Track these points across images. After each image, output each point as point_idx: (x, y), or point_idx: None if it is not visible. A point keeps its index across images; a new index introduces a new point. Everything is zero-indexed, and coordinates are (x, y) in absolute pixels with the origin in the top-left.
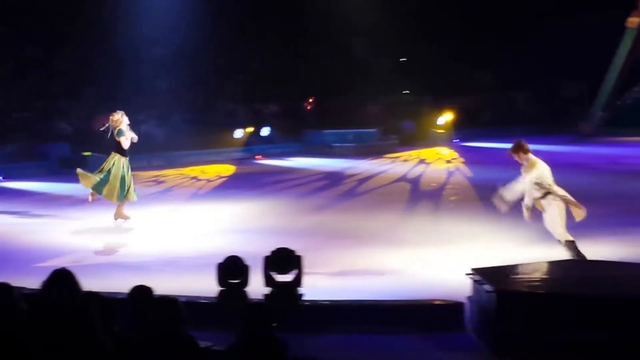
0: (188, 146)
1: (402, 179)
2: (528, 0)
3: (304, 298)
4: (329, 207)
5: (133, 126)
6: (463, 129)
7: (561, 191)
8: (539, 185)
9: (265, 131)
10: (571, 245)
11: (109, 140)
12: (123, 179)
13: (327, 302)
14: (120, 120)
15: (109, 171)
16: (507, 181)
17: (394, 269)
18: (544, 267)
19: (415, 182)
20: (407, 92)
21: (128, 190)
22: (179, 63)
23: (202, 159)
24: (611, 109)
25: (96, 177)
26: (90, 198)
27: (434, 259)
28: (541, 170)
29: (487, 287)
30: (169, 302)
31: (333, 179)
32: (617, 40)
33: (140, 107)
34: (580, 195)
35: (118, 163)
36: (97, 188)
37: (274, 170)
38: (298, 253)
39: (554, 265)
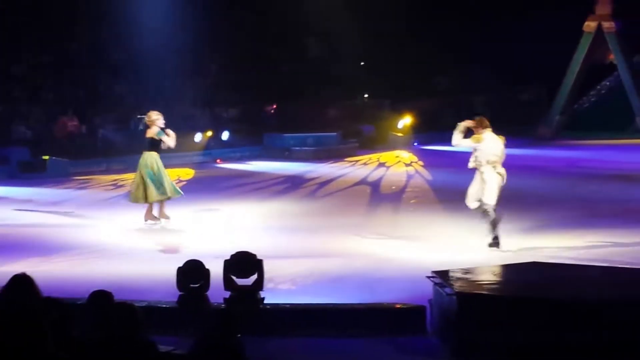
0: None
1: (362, 182)
2: (486, 4)
3: (265, 301)
4: (290, 211)
5: (92, 130)
6: (422, 133)
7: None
8: (476, 157)
9: (224, 135)
10: (495, 213)
11: (67, 144)
12: (152, 176)
13: (288, 306)
14: (156, 120)
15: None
16: (465, 184)
17: (355, 272)
18: (505, 270)
19: (375, 185)
20: (367, 95)
21: (150, 189)
22: (139, 67)
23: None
24: (568, 113)
25: (151, 187)
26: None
27: (395, 262)
28: (484, 147)
29: (448, 289)
30: (127, 307)
31: (293, 182)
32: (574, 44)
33: (99, 112)
34: (540, 198)
35: (151, 161)
36: (162, 193)
37: (234, 174)
38: (259, 257)
39: (515, 268)
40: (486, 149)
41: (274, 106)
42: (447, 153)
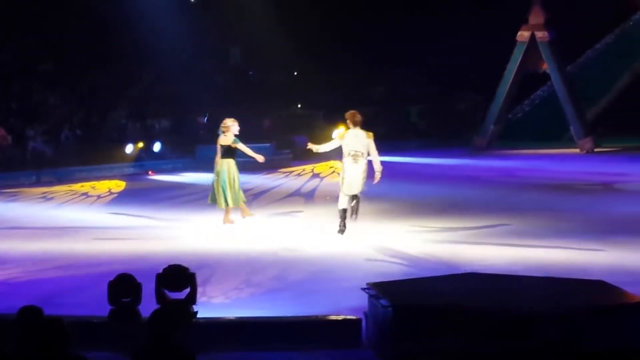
0: (78, 162)
1: (296, 193)
2: (421, 15)
3: (198, 316)
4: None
5: (21, 142)
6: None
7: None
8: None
9: (156, 146)
10: (357, 199)
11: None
12: (225, 183)
13: (221, 319)
14: (231, 126)
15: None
16: (399, 194)
17: (290, 284)
18: (440, 281)
19: (309, 196)
20: (300, 106)
21: (228, 194)
22: (70, 78)
23: (92, 175)
24: (503, 123)
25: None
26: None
27: (330, 274)
28: (346, 142)
29: (383, 301)
30: (56, 322)
31: None
32: (508, 53)
33: (28, 123)
34: (474, 207)
35: (229, 168)
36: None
37: (165, 186)
38: (191, 270)
39: (450, 279)
40: (348, 144)
41: (207, 117)
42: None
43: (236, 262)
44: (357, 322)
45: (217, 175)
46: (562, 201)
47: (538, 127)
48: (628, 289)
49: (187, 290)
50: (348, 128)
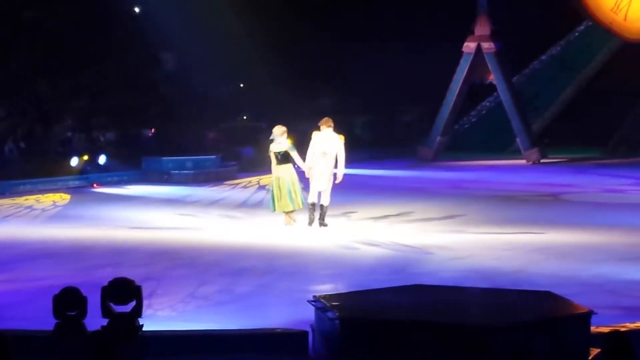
0: (22, 175)
1: (243, 205)
2: (367, 25)
3: (144, 329)
4: (168, 236)
5: None
6: (303, 154)
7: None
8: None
9: (102, 159)
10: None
11: None
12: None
13: (167, 333)
14: (284, 133)
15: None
16: (345, 204)
17: (236, 297)
18: (388, 293)
19: (255, 208)
20: (245, 117)
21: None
22: (12, 90)
23: (37, 188)
24: (449, 134)
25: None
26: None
27: (276, 286)
28: (317, 142)
29: (330, 314)
30: None
31: (172, 206)
32: (454, 64)
33: None
34: (422, 218)
35: (291, 173)
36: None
37: (111, 199)
38: (137, 283)
39: (398, 290)
40: (320, 143)
41: (153, 130)
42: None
43: (182, 274)
44: (304, 334)
45: (278, 181)
46: (507, 212)
47: (484, 138)
48: (573, 299)
49: (133, 303)
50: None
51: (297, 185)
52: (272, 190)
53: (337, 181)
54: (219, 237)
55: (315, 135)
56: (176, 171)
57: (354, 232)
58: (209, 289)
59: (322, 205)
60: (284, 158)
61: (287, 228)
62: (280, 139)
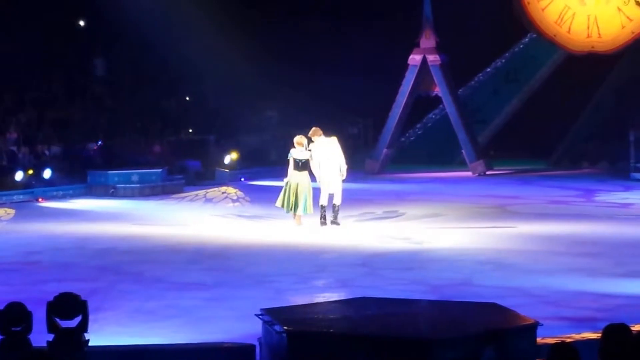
0: None
1: (194, 219)
2: (312, 39)
3: (90, 344)
4: (114, 249)
5: None
6: (250, 168)
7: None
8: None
9: (47, 173)
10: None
11: None
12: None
13: (114, 348)
14: (304, 142)
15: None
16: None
17: (182, 311)
18: (335, 306)
19: (210, 222)
20: (191, 130)
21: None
22: None
23: None
24: (396, 146)
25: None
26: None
27: (223, 300)
28: (317, 151)
29: (277, 327)
30: None
31: (118, 220)
32: (400, 77)
33: None
34: (369, 231)
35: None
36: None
37: (56, 213)
38: (83, 297)
39: (345, 304)
40: (321, 151)
41: (99, 143)
42: (274, 188)
43: (129, 288)
44: (251, 348)
45: (297, 186)
46: (455, 224)
47: (431, 150)
48: (519, 310)
49: (79, 318)
50: (310, 142)
51: (311, 193)
52: (286, 191)
53: (342, 177)
54: (165, 250)
55: (313, 147)
56: (122, 185)
57: (303, 246)
58: (156, 303)
59: (334, 205)
60: (304, 165)
61: (298, 228)
62: (300, 148)
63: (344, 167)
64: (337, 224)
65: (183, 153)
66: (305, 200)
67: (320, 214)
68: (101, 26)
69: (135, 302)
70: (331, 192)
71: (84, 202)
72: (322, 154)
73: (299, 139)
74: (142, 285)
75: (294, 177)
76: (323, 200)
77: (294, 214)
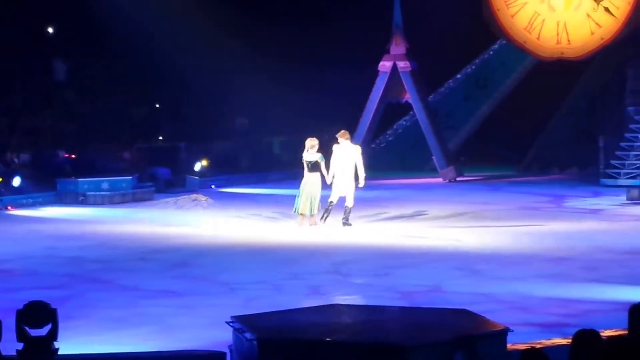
0: None
1: (164, 227)
2: (283, 45)
3: (60, 352)
4: (85, 257)
5: None
6: (220, 175)
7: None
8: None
9: (16, 181)
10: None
11: None
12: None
13: (84, 356)
14: (316, 145)
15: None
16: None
17: (153, 319)
18: (305, 313)
19: (176, 229)
20: (161, 138)
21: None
22: None
23: None
24: (366, 152)
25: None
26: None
27: (196, 308)
28: (334, 155)
29: (248, 334)
30: None
31: (88, 228)
32: (370, 83)
33: None
34: (339, 237)
35: (319, 182)
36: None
37: (25, 221)
38: (53, 305)
39: (314, 311)
40: (340, 156)
41: (69, 152)
42: (244, 195)
43: (99, 296)
44: (222, 356)
45: (305, 186)
46: (425, 230)
47: (401, 157)
48: (489, 316)
49: (49, 326)
50: (336, 142)
51: (318, 195)
52: (300, 194)
53: (360, 185)
54: (136, 258)
55: (335, 147)
56: (92, 192)
57: (274, 252)
58: (127, 310)
59: (346, 207)
60: (314, 167)
61: (305, 230)
62: (312, 150)
63: (363, 174)
64: (349, 224)
65: (153, 160)
66: (310, 201)
67: (325, 208)
68: (70, 32)
69: (105, 310)
70: (342, 195)
71: (53, 210)
72: (340, 156)
73: (309, 141)
74: (113, 293)
75: (305, 179)
76: (333, 197)
77: (300, 215)
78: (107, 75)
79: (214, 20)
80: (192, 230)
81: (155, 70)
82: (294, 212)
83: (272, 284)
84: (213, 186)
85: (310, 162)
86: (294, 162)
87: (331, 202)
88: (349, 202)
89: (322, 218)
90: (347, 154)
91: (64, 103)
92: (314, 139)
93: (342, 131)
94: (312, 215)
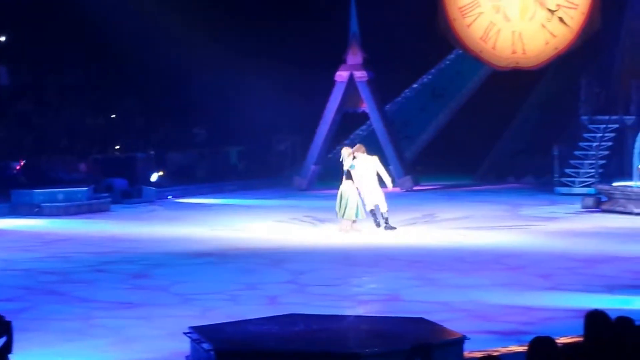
0: None
1: (120, 238)
2: (240, 55)
3: None
4: (40, 269)
5: None
6: (177, 185)
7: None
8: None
9: None
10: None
11: None
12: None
13: None
14: (349, 155)
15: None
16: (217, 236)
17: (111, 330)
18: (263, 323)
19: (132, 240)
20: (118, 147)
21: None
22: None
23: None
24: (323, 163)
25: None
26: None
27: (153, 319)
28: (357, 166)
29: (205, 345)
30: None
31: (43, 240)
32: (328, 93)
33: None
34: (294, 248)
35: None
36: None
37: None
38: (8, 318)
39: (272, 320)
40: (361, 168)
41: (22, 162)
42: (201, 205)
43: (55, 309)
44: None
45: (341, 193)
46: (384, 239)
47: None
48: (446, 325)
49: (3, 339)
50: (354, 158)
51: (352, 200)
52: (341, 201)
53: (389, 187)
54: (91, 270)
55: (356, 162)
56: (47, 203)
57: (231, 262)
58: (83, 322)
59: (382, 213)
60: (348, 175)
61: (345, 234)
62: (347, 159)
63: (387, 178)
64: (393, 227)
65: (109, 171)
66: (346, 205)
67: (373, 219)
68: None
69: (61, 322)
70: (376, 203)
71: (7, 221)
72: (362, 170)
73: (344, 151)
74: (68, 304)
75: (341, 186)
76: (368, 207)
77: (348, 220)
78: (61, 85)
79: (169, 33)
80: (149, 241)
81: (111, 80)
82: (342, 217)
83: (228, 294)
84: (170, 197)
85: (344, 171)
86: (252, 172)
87: (370, 210)
88: (383, 208)
89: (378, 225)
90: (367, 166)
91: (18, 114)
92: (348, 148)
93: (357, 145)
94: (351, 221)
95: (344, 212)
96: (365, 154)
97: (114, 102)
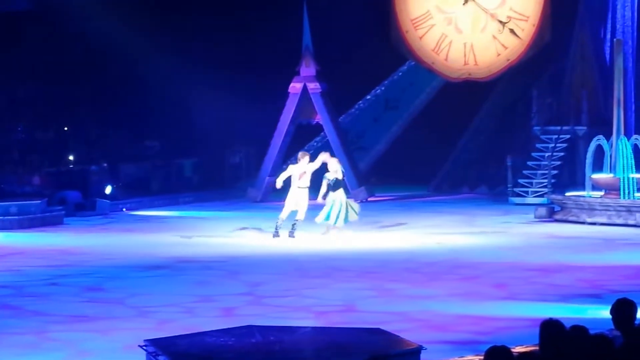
0: None
1: (75, 251)
2: (194, 68)
3: None
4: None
5: None
6: (131, 198)
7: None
8: None
9: None
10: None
11: None
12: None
13: None
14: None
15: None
16: (172, 250)
17: (66, 344)
18: (220, 335)
19: (86, 253)
20: (72, 159)
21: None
22: None
23: None
24: (278, 174)
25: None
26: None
27: (108, 332)
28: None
29: (161, 358)
30: None
31: None
32: (281, 105)
33: None
34: (247, 259)
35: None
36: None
37: None
38: None
39: (229, 332)
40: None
41: None
42: (155, 218)
43: (8, 323)
44: None
45: (335, 201)
46: (339, 250)
47: (312, 178)
48: (402, 335)
49: None
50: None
51: (336, 207)
52: (340, 208)
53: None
54: (45, 283)
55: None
56: (0, 217)
57: (186, 273)
58: (37, 336)
59: (296, 219)
60: (336, 185)
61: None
62: (332, 173)
63: (323, 190)
64: (293, 236)
65: (63, 184)
66: (339, 213)
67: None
68: None
69: (15, 336)
70: (297, 208)
71: None
72: (299, 174)
73: (301, 154)
74: (22, 318)
75: (332, 195)
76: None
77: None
78: (12, 99)
79: (122, 45)
80: (103, 253)
81: (63, 92)
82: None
83: (184, 306)
84: (124, 209)
85: (337, 180)
86: (205, 184)
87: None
88: (300, 216)
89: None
90: (304, 173)
91: None
92: (305, 153)
93: (301, 152)
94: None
95: (336, 218)
96: (307, 161)
97: (66, 115)
